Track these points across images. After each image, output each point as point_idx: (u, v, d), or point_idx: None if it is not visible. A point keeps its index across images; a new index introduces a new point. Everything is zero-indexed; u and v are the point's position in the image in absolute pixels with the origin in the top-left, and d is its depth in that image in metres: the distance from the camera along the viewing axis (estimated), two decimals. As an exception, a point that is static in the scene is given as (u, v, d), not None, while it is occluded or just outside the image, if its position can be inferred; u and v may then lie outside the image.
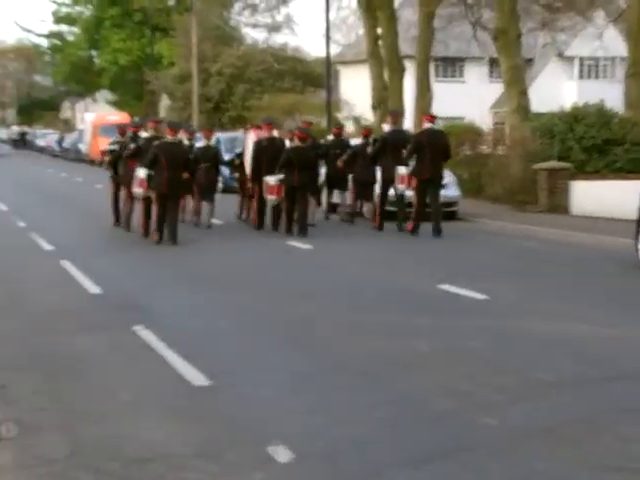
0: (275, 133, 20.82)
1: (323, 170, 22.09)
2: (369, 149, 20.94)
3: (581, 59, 52.64)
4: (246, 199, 21.73)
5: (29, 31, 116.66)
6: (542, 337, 9.83)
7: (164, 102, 66.53)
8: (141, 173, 18.14)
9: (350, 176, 21.76)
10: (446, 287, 12.89)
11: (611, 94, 35.77)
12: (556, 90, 48.91)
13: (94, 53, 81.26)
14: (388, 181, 20.23)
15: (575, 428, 6.88)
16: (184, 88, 57.36)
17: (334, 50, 52.63)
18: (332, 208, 23.16)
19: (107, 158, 21.81)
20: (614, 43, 44.14)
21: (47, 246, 17.88)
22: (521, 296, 12.38)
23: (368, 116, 38.07)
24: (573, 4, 36.86)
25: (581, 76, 53.21)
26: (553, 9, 38.00)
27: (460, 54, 50.78)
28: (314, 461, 6.27)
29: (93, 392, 7.96)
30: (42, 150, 75.53)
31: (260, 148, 19.97)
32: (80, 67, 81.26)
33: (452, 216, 22.99)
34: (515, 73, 28.39)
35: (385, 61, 35.28)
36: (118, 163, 20.62)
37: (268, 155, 19.71)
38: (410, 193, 19.88)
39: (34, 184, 38.29)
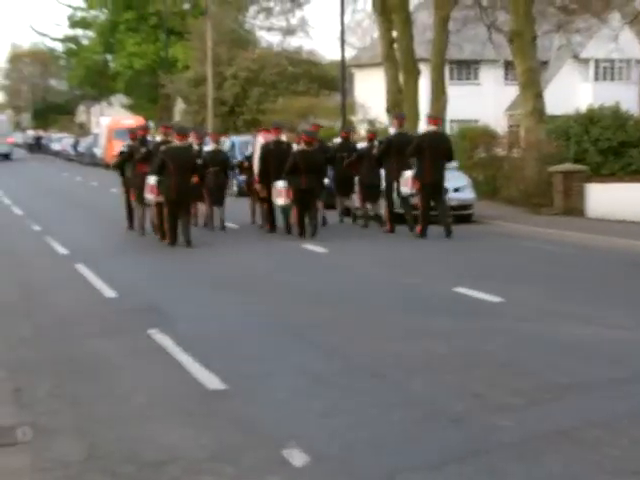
0: (283, 137, 21.02)
1: (330, 173, 22.23)
2: (374, 151, 21.09)
3: (596, 61, 52.47)
4: (256, 202, 21.81)
5: (44, 35, 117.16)
6: (558, 340, 9.78)
7: (179, 106, 66.66)
8: (151, 180, 18.27)
9: (356, 179, 21.93)
10: (461, 290, 12.85)
11: (627, 96, 35.71)
12: (571, 92, 48.78)
13: (109, 57, 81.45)
14: (391, 183, 20.42)
15: (592, 431, 6.84)
16: (199, 92, 57.46)
17: (349, 53, 52.73)
18: (346, 211, 23.22)
19: (115, 160, 21.95)
20: (630, 45, 44.06)
21: (62, 250, 17.93)
22: (536, 299, 12.34)
23: (383, 119, 38.02)
24: (588, 6, 36.74)
25: (596, 78, 53.05)
26: (568, 11, 37.90)
27: (475, 57, 50.67)
28: (329, 464, 6.26)
29: (108, 395, 7.97)
30: (57, 154, 75.80)
31: (267, 151, 20.21)
32: (95, 71, 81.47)
33: (467, 219, 22.99)
34: (530, 75, 28.33)
35: (400, 64, 35.24)
36: (125, 165, 20.72)
37: (275, 158, 19.92)
38: (411, 194, 19.99)
39: (49, 188, 38.43)
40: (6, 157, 66.14)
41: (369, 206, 21.82)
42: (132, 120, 53.16)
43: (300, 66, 56.42)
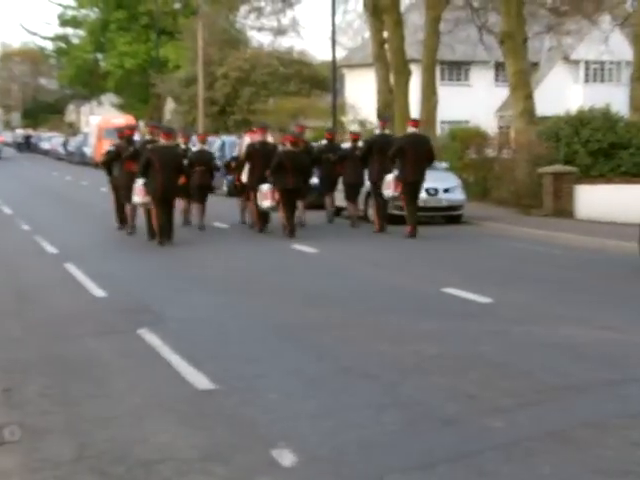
0: (269, 138, 21.38)
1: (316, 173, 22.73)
2: (358, 152, 21.49)
3: (587, 63, 52.57)
4: (246, 202, 22.04)
5: (35, 34, 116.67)
6: (549, 341, 9.79)
7: (169, 105, 66.63)
8: (139, 182, 18.49)
9: (340, 178, 22.42)
10: (451, 290, 12.86)
11: (617, 98, 35.72)
12: (562, 94, 48.86)
13: (100, 56, 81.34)
14: (375, 183, 20.77)
15: (583, 432, 6.85)
16: (190, 91, 57.42)
17: (340, 54, 52.71)
18: (337, 211, 23.31)
19: (102, 159, 22.10)
20: (620, 47, 44.13)
21: (51, 249, 17.89)
22: (527, 300, 12.35)
23: (373, 120, 38.04)
24: (579, 8, 36.82)
25: (587, 80, 53.16)
26: (559, 13, 37.98)
27: (466, 58, 50.71)
28: (319, 465, 6.25)
29: (98, 395, 7.94)
30: (46, 153, 75.72)
31: (252, 151, 20.51)
32: (86, 70, 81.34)
33: (457, 219, 23.06)
34: (521, 77, 28.38)
35: (391, 65, 35.27)
36: (113, 165, 20.80)
37: (260, 158, 20.17)
38: (393, 196, 20.35)
39: (38, 187, 38.36)
40: None
41: (351, 205, 22.11)
42: (122, 119, 53.09)
43: (291, 66, 56.43)
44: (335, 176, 22.46)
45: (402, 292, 13.11)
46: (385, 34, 35.61)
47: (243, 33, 64.77)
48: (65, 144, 69.52)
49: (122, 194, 20.11)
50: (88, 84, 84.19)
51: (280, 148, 20.45)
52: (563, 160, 24.77)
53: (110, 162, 21.00)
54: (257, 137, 20.95)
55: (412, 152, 19.78)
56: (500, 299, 12.26)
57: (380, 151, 20.50)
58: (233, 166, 22.64)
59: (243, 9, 64.51)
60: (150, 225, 19.00)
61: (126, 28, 74.82)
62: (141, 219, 19.92)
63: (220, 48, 57.59)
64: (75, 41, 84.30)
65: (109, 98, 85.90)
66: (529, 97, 28.49)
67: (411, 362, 8.93)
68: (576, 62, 52.54)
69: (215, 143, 33.35)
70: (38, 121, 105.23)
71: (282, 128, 33.88)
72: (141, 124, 38.45)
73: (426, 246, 18.90)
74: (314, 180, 22.77)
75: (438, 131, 37.24)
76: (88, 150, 57.88)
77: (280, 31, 62.82)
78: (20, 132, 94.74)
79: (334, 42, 36.65)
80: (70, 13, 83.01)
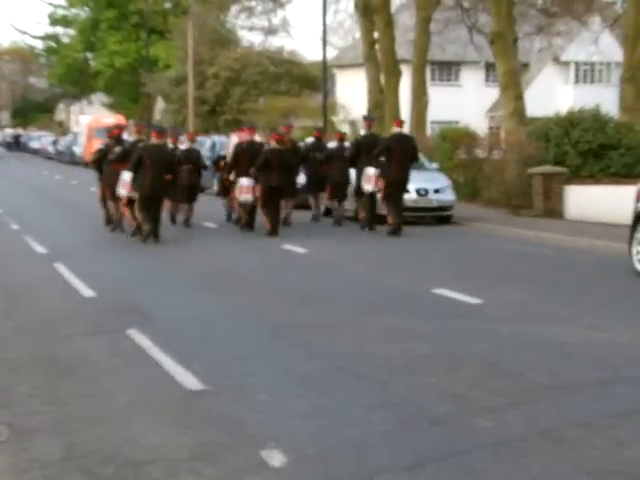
0: (257, 137, 21.57)
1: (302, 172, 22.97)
2: (346, 152, 21.70)
3: (577, 64, 52.69)
4: (231, 200, 22.22)
5: (25, 33, 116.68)
6: (537, 341, 9.81)
7: (160, 105, 66.55)
8: (126, 176, 18.70)
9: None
10: (441, 291, 12.88)
11: (607, 99, 35.81)
12: (552, 94, 48.95)
13: (90, 55, 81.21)
14: (360, 183, 20.96)
15: (571, 432, 6.86)
16: (180, 91, 57.36)
17: (331, 53, 52.79)
18: (326, 211, 23.36)
19: (92, 158, 22.27)
20: (610, 48, 44.24)
21: (41, 249, 17.85)
22: (516, 300, 12.37)
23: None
24: (569, 9, 36.89)
25: (577, 81, 53.27)
26: (549, 14, 38.05)
27: (456, 58, 50.79)
28: (308, 465, 6.25)
29: (87, 395, 7.93)
30: (36, 152, 75.56)
31: (240, 151, 20.68)
32: (76, 69, 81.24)
33: (447, 220, 23.09)
34: (511, 77, 28.43)
35: (381, 65, 35.31)
36: (103, 163, 20.89)
37: (247, 157, 20.37)
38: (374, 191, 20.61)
39: (28, 186, 38.28)
40: None
41: (336, 204, 22.32)
42: (113, 119, 53.01)
43: (282, 66, 56.41)
44: (322, 175, 22.56)
45: (392, 292, 13.12)
46: (376, 34, 35.65)
47: (234, 33, 64.77)
48: (55, 143, 69.40)
49: (110, 192, 20.20)
50: (78, 83, 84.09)
51: (267, 146, 20.57)
52: (553, 161, 24.82)
53: (100, 161, 21.11)
54: (245, 136, 21.11)
55: (398, 152, 20.06)
56: (490, 299, 12.28)
57: (368, 151, 20.68)
58: (222, 165, 22.72)
59: (234, 9, 64.61)
60: (134, 215, 19.20)
61: (116, 27, 74.74)
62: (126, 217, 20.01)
63: (211, 47, 57.56)
64: (65, 40, 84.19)
65: (99, 97, 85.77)
66: (519, 97, 28.55)
67: (401, 362, 8.93)
68: (566, 63, 52.66)
69: (206, 143, 33.34)
70: (28, 120, 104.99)
71: (272, 127, 33.84)
72: (131, 123, 38.32)
73: (416, 246, 18.92)
74: (301, 179, 22.95)
75: (428, 131, 37.31)
76: (78, 149, 57.80)
77: (271, 31, 62.92)
78: (9, 131, 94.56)
79: (325, 42, 36.67)
80: (60, 12, 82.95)
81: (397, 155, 20.02)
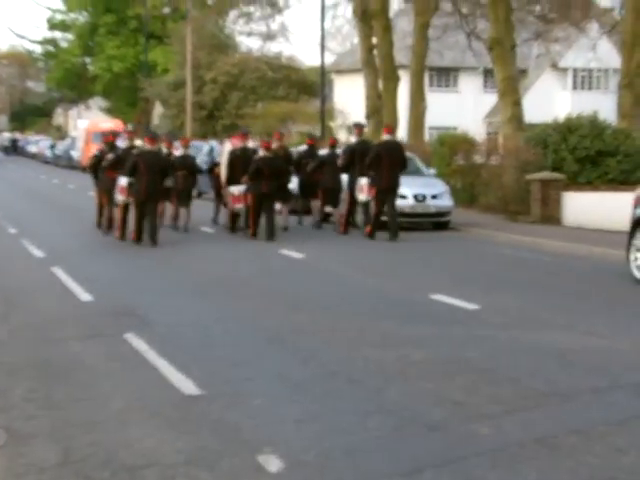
0: (250, 143, 21.95)
1: (295, 179, 23.24)
2: (339, 160, 21.83)
3: (575, 70, 52.76)
4: (221, 205, 22.90)
5: (23, 37, 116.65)
6: (535, 347, 9.80)
7: (158, 109, 66.53)
8: (122, 181, 19.01)
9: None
10: (438, 296, 12.87)
11: (604, 105, 35.88)
12: (550, 101, 49.02)
13: (88, 60, 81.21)
14: (352, 189, 21.18)
15: (568, 439, 6.85)
16: (178, 95, 57.36)
17: (329, 59, 52.76)
18: (325, 217, 23.40)
19: (89, 163, 22.60)
20: (608, 55, 44.30)
21: (38, 253, 17.83)
22: (514, 306, 12.36)
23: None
24: (567, 15, 36.94)
25: (575, 87, 53.34)
26: (547, 20, 38.11)
27: (455, 64, 50.86)
28: (305, 470, 6.23)
29: (84, 400, 7.91)
30: (34, 156, 75.47)
31: (233, 157, 21.05)
32: (74, 73, 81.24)
33: (445, 226, 23.09)
34: (509, 83, 28.45)
35: (380, 70, 35.32)
36: (98, 169, 21.27)
37: (240, 163, 20.72)
38: (367, 200, 20.85)
39: (25, 191, 38.24)
40: None
41: (329, 209, 22.60)
42: (110, 123, 53.05)
43: (280, 71, 56.43)
44: (314, 182, 22.74)
45: (389, 297, 13.11)
46: (374, 40, 35.67)
47: (232, 38, 64.80)
48: (52, 148, 69.37)
49: (106, 197, 20.55)
50: (76, 87, 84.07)
51: (260, 153, 20.81)
52: (551, 167, 24.82)
53: (96, 166, 21.46)
54: (238, 143, 21.45)
55: (387, 159, 20.28)
56: (487, 305, 12.27)
57: (361, 158, 20.87)
58: (217, 172, 22.99)
59: (232, 14, 64.65)
60: (123, 226, 19.55)
61: (115, 32, 74.77)
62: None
63: (209, 52, 57.59)
64: (63, 45, 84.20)
65: (97, 102, 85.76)
66: (517, 103, 28.56)
67: (397, 367, 8.92)
68: (564, 69, 52.73)
69: (204, 148, 33.30)
70: (25, 124, 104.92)
71: (269, 133, 33.86)
72: (129, 128, 38.43)
73: (413, 252, 18.91)
74: (294, 186, 23.27)
75: (426, 137, 37.32)
76: (75, 154, 57.75)
77: (269, 36, 62.93)
78: (7, 135, 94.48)
79: (323, 47, 36.74)
80: (59, 17, 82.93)
81: (386, 162, 20.22)
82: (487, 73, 48.34)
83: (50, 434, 7.01)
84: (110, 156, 20.42)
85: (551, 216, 24.07)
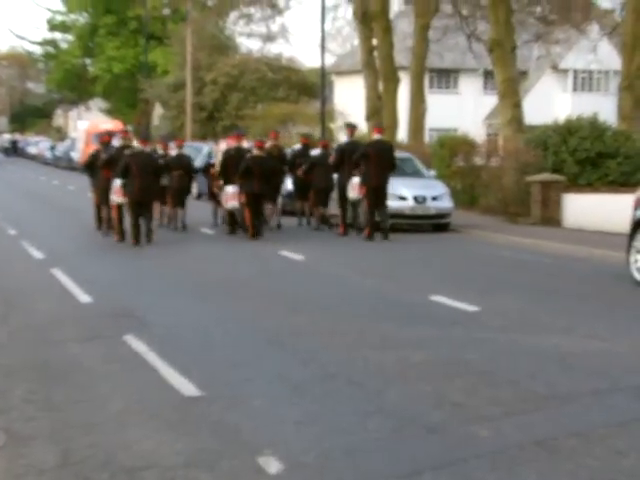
0: (245, 144, 22.18)
1: (289, 179, 23.73)
2: (331, 159, 22.07)
3: (575, 72, 52.76)
4: (217, 205, 23.05)
5: (23, 38, 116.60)
6: (535, 350, 9.79)
7: (158, 111, 66.49)
8: (117, 183, 19.28)
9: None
10: (438, 298, 12.86)
11: (605, 107, 35.87)
12: (550, 102, 49.03)
13: (88, 61, 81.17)
14: (344, 189, 21.41)
15: (568, 441, 6.84)
16: (178, 97, 57.34)
17: (329, 60, 52.80)
18: (324, 219, 23.40)
19: (85, 161, 22.85)
20: (608, 56, 44.33)
21: (38, 254, 17.82)
22: (514, 308, 12.36)
23: (362, 127, 38.12)
24: (568, 17, 36.95)
25: (575, 89, 53.34)
26: (548, 22, 38.12)
27: (455, 66, 50.87)
28: (305, 472, 6.23)
29: (83, 401, 7.91)
30: (33, 158, 75.43)
31: (228, 157, 21.31)
32: (74, 75, 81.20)
33: (445, 227, 23.07)
34: (509, 85, 28.45)
35: (380, 72, 35.31)
36: (94, 169, 21.49)
37: (235, 163, 20.90)
38: (358, 199, 21.17)
39: (25, 192, 38.23)
40: None
41: (321, 210, 22.84)
42: (111, 124, 53.00)
43: (280, 72, 56.40)
44: (308, 182, 23.03)
45: (389, 299, 13.10)
46: (374, 41, 35.67)
47: (232, 39, 64.78)
48: (52, 149, 69.35)
49: (101, 197, 20.84)
50: (76, 88, 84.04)
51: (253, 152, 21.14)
52: (551, 169, 24.82)
53: (91, 166, 21.70)
54: (233, 143, 21.75)
55: (376, 158, 20.51)
56: (487, 307, 12.27)
57: (350, 158, 21.14)
58: (212, 172, 23.19)
59: (232, 15, 64.60)
60: (120, 227, 19.69)
61: (115, 33, 74.73)
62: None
63: (209, 54, 57.57)
64: (64, 46, 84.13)
65: (97, 103, 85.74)
66: (517, 105, 28.56)
67: (397, 369, 8.91)
68: (564, 71, 52.73)
69: (203, 149, 33.31)
70: (25, 125, 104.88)
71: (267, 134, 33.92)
72: (128, 129, 38.46)
73: (413, 253, 18.91)
74: (288, 186, 23.48)
75: (426, 138, 37.33)
76: (75, 155, 57.67)
77: (269, 37, 62.88)
78: (7, 136, 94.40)
79: (323, 49, 36.69)
80: (59, 18, 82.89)
81: (374, 161, 20.49)
82: (487, 75, 48.32)
83: (49, 436, 7.00)
84: (104, 155, 20.69)
85: (551, 218, 24.06)
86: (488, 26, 31.23)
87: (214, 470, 6.25)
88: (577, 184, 24.70)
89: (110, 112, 79.51)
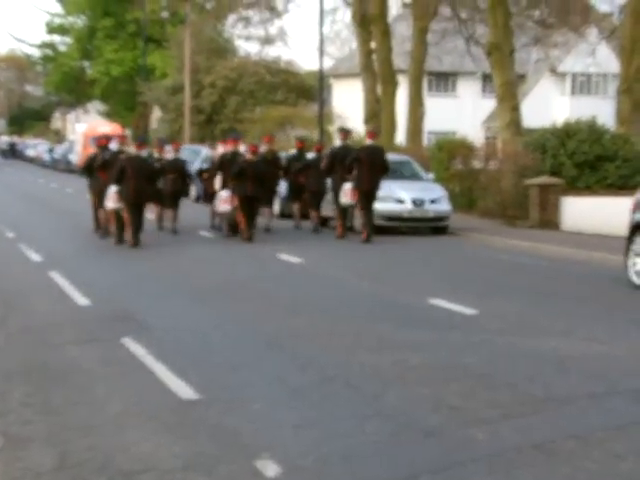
0: (241, 148, 22.19)
1: (284, 182, 23.83)
2: (322, 164, 22.29)
3: (574, 75, 52.79)
4: (212, 208, 23.07)
5: (21, 41, 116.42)
6: (533, 353, 9.79)
7: (156, 114, 66.47)
8: (113, 189, 19.38)
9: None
10: (436, 301, 12.86)
11: (603, 110, 35.92)
12: (548, 105, 49.07)
13: (86, 64, 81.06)
14: (336, 192, 21.60)
15: (566, 444, 6.83)
16: (176, 100, 57.29)
17: (327, 63, 52.76)
18: (323, 221, 23.43)
19: (82, 163, 22.97)
20: (606, 60, 44.32)
21: (36, 257, 17.81)
22: (512, 311, 12.35)
23: (360, 130, 38.12)
24: (566, 20, 36.98)
25: (573, 92, 53.37)
26: (546, 25, 38.14)
27: (453, 69, 50.91)
28: (302, 476, 6.22)
29: (81, 404, 7.90)
30: (32, 160, 75.42)
31: (224, 161, 21.45)
32: (72, 77, 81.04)
33: (443, 230, 23.08)
34: (508, 88, 28.47)
35: (378, 75, 35.35)
36: (91, 171, 21.63)
37: (230, 167, 20.94)
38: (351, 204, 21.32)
39: (23, 194, 38.21)
40: None
41: (313, 212, 23.02)
42: (109, 127, 52.98)
43: (278, 75, 56.34)
44: (302, 186, 23.21)
45: (387, 302, 13.09)
46: (373, 44, 35.70)
47: (230, 42, 64.71)
48: (51, 151, 69.33)
49: (98, 199, 20.90)
50: (74, 91, 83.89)
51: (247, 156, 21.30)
52: (549, 172, 24.83)
53: (89, 168, 21.81)
54: (229, 147, 21.88)
55: (367, 162, 20.71)
56: (485, 310, 12.26)
57: (342, 162, 21.30)
58: (206, 177, 23.50)
59: (231, 18, 64.59)
60: (119, 230, 19.70)
61: (113, 36, 74.63)
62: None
63: (207, 57, 57.51)
64: (62, 48, 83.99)
65: (95, 105, 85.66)
66: (516, 108, 28.57)
67: (395, 372, 8.91)
68: (563, 74, 52.77)
69: (202, 152, 33.30)
70: (24, 128, 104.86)
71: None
72: (127, 132, 38.42)
73: (411, 256, 18.91)
74: (282, 189, 23.57)
75: (425, 142, 37.33)
76: (74, 158, 57.65)
77: (268, 40, 62.86)
78: (5, 139, 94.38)
79: (322, 52, 36.69)
80: (57, 20, 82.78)
81: (366, 165, 20.68)
82: (486, 78, 48.33)
83: (47, 438, 6.99)
84: (99, 158, 20.85)
85: (549, 221, 24.07)
86: (487, 29, 31.27)
87: (212, 473, 6.24)
88: (575, 187, 24.71)
89: (108, 115, 79.42)
